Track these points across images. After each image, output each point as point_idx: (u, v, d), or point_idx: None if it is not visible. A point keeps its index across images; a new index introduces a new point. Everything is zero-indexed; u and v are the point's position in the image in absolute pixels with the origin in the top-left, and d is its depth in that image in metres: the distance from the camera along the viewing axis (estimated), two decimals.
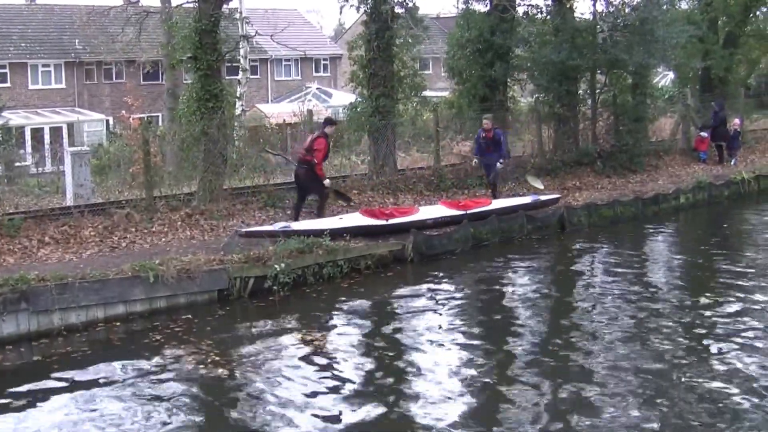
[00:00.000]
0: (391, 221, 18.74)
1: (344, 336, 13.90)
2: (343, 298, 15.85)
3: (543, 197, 21.68)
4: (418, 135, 29.54)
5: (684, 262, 19.27)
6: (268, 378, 11.96)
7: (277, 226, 17.92)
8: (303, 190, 19.30)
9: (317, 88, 58.84)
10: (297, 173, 19.36)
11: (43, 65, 51.99)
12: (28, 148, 40.86)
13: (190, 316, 14.82)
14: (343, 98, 45.43)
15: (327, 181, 19.13)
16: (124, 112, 40.19)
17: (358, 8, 24.25)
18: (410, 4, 24.10)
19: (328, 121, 19.66)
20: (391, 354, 12.89)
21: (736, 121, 30.60)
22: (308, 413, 10.67)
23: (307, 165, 18.87)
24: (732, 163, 29.03)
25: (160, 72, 48.05)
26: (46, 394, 11.54)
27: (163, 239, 17.73)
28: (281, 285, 15.90)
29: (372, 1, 23.35)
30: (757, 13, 37.95)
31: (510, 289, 16.77)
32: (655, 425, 10.09)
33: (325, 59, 65.24)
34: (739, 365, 12.00)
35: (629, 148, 26.44)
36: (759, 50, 38.39)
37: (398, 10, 23.79)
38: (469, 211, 19.92)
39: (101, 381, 11.96)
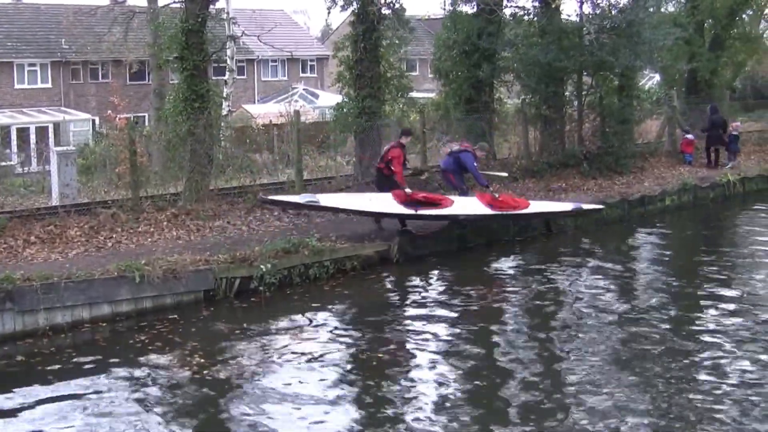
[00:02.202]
0: (421, 212, 18.23)
1: (328, 337, 13.87)
2: (329, 299, 15.84)
3: (585, 206, 20.95)
4: None
5: (670, 264, 19.31)
6: (254, 379, 11.95)
7: (303, 198, 17.62)
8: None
9: (304, 89, 58.82)
10: (377, 185, 19.63)
11: (29, 64, 51.80)
12: (14, 148, 40.73)
13: (176, 316, 14.80)
14: (329, 99, 45.46)
15: (408, 190, 18.62)
16: (110, 111, 40.15)
17: (344, 8, 24.21)
18: (397, 6, 24.10)
19: (405, 132, 19.71)
20: (373, 355, 12.88)
21: (736, 123, 30.61)
22: (292, 415, 10.68)
23: (378, 171, 19.35)
24: (728, 165, 28.91)
25: (147, 72, 48.03)
26: (29, 395, 11.50)
27: (149, 239, 17.68)
28: (267, 285, 15.90)
29: (359, 2, 23.35)
30: (743, 16, 38.17)
31: (494, 290, 16.76)
32: (644, 423, 10.15)
33: (311, 60, 65.20)
34: (728, 364, 12.08)
35: (615, 150, 26.46)
36: (744, 53, 38.53)
37: (385, 11, 23.80)
38: (505, 212, 19.24)
39: (85, 382, 11.93)
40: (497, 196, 19.29)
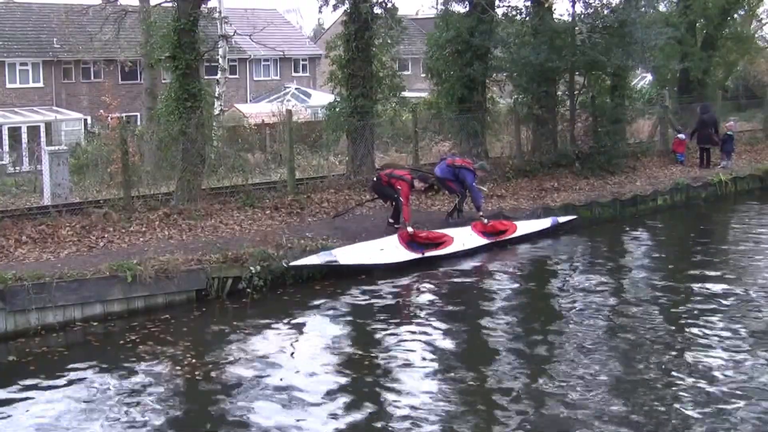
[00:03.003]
0: (427, 254, 18.33)
1: (321, 337, 13.86)
2: (322, 299, 15.80)
3: (561, 219, 21.43)
4: (396, 135, 29.54)
5: (661, 263, 19.33)
6: (246, 379, 11.93)
7: (321, 259, 17.12)
8: (386, 197, 19.67)
9: (296, 88, 58.80)
10: (373, 188, 19.93)
11: (21, 64, 51.66)
12: (6, 147, 40.68)
13: (168, 316, 14.78)
14: (322, 98, 45.47)
15: (410, 229, 18.58)
16: (102, 111, 40.10)
17: (336, 7, 24.19)
18: (389, 5, 24.09)
19: (423, 179, 19.85)
20: (366, 354, 12.88)
21: (731, 123, 30.60)
22: (285, 414, 10.67)
23: (377, 179, 19.51)
24: (721, 165, 28.85)
25: (139, 71, 47.92)
26: (20, 395, 11.48)
27: (141, 239, 17.63)
28: (256, 287, 15.88)
29: (351, 1, 23.34)
30: (735, 15, 38.26)
31: (486, 289, 16.79)
32: (633, 420, 10.17)
33: (304, 59, 65.16)
34: (718, 364, 12.11)
35: (607, 150, 26.45)
36: (736, 53, 38.65)
37: (377, 10, 23.78)
38: (498, 240, 19.78)
39: (77, 382, 11.91)
40: (486, 222, 19.91)
